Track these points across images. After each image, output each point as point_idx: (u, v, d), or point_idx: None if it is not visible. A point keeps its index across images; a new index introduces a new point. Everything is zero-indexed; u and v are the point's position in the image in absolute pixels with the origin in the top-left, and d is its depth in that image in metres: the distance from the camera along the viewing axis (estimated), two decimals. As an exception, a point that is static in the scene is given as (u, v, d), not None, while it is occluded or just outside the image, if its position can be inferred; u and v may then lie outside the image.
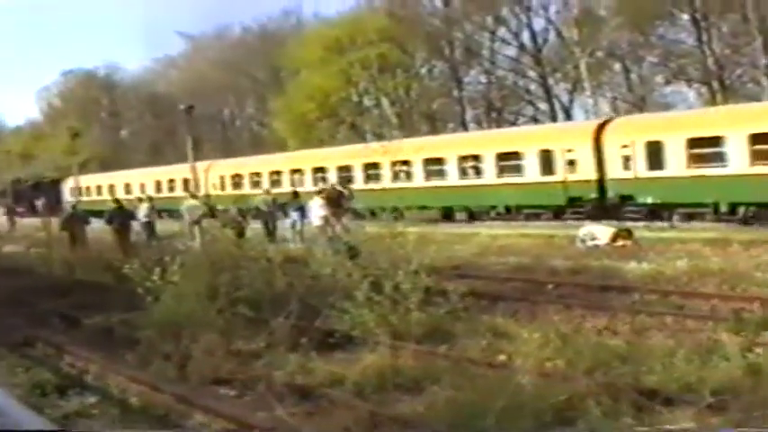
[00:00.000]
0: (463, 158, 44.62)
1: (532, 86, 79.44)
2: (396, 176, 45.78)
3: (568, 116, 73.31)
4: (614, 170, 37.15)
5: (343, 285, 12.59)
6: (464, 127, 78.79)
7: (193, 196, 39.89)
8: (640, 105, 66.03)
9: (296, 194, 36.81)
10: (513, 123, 74.99)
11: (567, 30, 73.53)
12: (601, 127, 39.81)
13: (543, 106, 78.07)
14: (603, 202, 37.10)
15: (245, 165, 64.76)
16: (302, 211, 32.84)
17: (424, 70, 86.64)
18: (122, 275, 16.50)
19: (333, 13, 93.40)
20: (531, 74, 78.73)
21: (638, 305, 17.00)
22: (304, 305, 13.82)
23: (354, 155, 50.09)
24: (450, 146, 48.28)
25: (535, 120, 74.98)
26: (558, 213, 38.61)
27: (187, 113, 57.20)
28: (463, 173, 44.35)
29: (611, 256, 24.70)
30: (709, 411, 9.08)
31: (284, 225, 35.46)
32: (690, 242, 25.84)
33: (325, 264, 14.66)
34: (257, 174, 60.74)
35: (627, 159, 36.59)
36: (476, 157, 44.03)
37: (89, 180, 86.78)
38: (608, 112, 68.32)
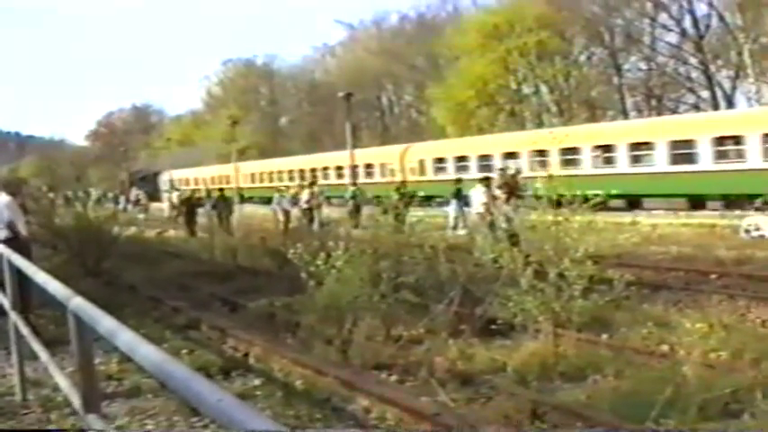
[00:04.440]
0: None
1: (694, 74, 77.91)
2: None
3: (730, 104, 71.63)
4: (408, 176, 57.41)
5: (507, 273, 12.60)
6: (624, 115, 77.93)
7: (353, 184, 41.51)
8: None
9: (458, 182, 37.47)
10: (674, 111, 73.65)
11: (730, 15, 71.92)
12: (404, 150, 65.40)
13: (705, 94, 76.54)
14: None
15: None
16: (464, 198, 33.24)
17: (583, 57, 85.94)
18: (284, 261, 16.74)
19: (490, 0, 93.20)
20: (693, 61, 77.23)
21: (806, 297, 16.60)
22: (466, 292, 13.91)
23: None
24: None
25: (696, 108, 73.52)
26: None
27: (346, 101, 57.79)
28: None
29: (776, 246, 24.19)
30: None
31: (449, 212, 36.22)
32: None
33: (487, 251, 14.67)
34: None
35: (413, 170, 61.01)
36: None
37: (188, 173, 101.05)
38: (772, 99, 66.84)
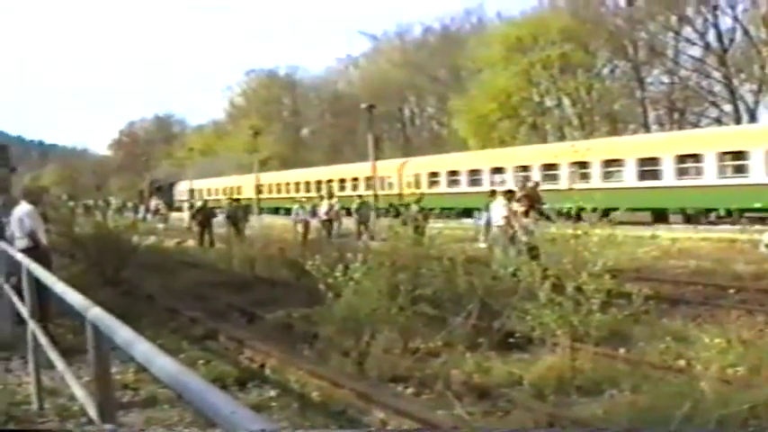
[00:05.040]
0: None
1: (717, 87, 77.60)
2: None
3: (753, 118, 71.26)
4: (404, 189, 60.58)
5: (525, 286, 12.59)
6: (646, 128, 77.68)
7: (360, 197, 43.08)
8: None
9: (493, 193, 37.69)
10: (696, 125, 73.36)
11: (754, 29, 71.68)
12: (402, 164, 69.01)
13: (727, 108, 76.18)
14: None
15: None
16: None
17: (606, 70, 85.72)
18: (302, 272, 16.73)
19: (515, 13, 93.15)
20: (716, 74, 76.91)
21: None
22: (483, 305, 13.89)
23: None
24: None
25: (719, 121, 73.24)
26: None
27: (368, 112, 57.84)
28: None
29: (796, 262, 24.06)
30: None
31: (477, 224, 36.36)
32: None
33: (505, 264, 14.68)
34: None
35: (409, 184, 62.99)
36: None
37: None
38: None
